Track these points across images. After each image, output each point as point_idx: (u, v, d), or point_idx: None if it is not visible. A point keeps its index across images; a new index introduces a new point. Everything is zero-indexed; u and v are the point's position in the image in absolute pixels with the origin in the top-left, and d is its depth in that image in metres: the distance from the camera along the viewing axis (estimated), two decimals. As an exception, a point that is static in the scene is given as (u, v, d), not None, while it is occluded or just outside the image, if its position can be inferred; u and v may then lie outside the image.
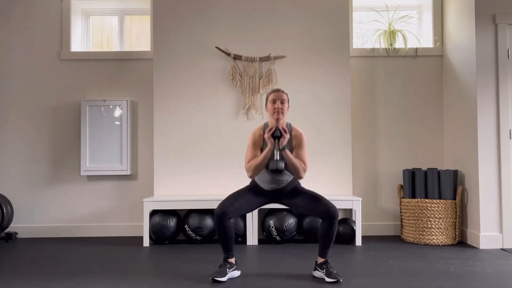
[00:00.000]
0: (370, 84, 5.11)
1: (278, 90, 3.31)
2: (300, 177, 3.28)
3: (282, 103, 3.25)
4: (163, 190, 4.82)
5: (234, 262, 3.26)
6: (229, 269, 3.19)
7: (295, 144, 3.32)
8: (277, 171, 3.22)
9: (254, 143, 3.31)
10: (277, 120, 3.23)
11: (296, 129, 3.37)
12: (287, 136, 3.18)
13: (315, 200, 3.24)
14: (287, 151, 3.19)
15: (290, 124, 3.40)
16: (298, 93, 4.85)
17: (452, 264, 3.63)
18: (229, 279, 3.18)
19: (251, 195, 3.32)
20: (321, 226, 3.23)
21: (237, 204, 3.23)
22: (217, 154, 4.84)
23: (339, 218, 4.67)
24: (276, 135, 3.15)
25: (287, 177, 3.30)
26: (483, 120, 4.31)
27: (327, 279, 3.12)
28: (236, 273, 3.27)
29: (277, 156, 3.17)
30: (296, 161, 3.22)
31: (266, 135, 3.17)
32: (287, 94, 3.32)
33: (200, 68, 4.89)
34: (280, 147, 3.17)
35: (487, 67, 4.32)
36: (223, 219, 3.16)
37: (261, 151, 3.27)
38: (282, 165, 3.19)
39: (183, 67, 4.88)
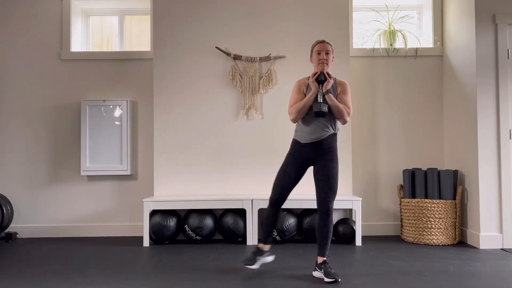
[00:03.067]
0: (370, 84, 5.11)
1: (323, 41, 3.36)
2: (345, 121, 3.28)
3: (327, 53, 3.32)
4: (163, 190, 4.82)
5: (267, 249, 3.40)
6: (260, 256, 3.34)
7: (340, 91, 3.35)
8: (321, 114, 3.21)
9: (298, 88, 3.36)
10: (322, 70, 3.28)
11: (340, 80, 3.42)
12: (331, 80, 3.25)
13: (330, 184, 3.25)
14: (331, 95, 3.23)
15: (335, 78, 3.41)
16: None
17: (452, 264, 3.63)
18: (262, 264, 3.37)
19: (294, 161, 3.34)
20: (317, 224, 3.30)
21: (284, 185, 3.33)
22: (217, 154, 4.84)
23: (339, 218, 4.70)
24: (321, 79, 3.22)
25: (329, 130, 3.30)
26: (483, 120, 4.31)
27: (326, 279, 3.12)
28: (270, 259, 3.45)
29: (320, 98, 3.20)
30: (340, 105, 3.25)
31: (310, 79, 3.26)
32: (331, 45, 3.37)
33: (200, 68, 4.89)
34: (324, 90, 3.22)
35: (487, 67, 4.32)
36: (278, 204, 3.34)
37: (305, 97, 3.31)
38: (325, 107, 3.20)
39: (183, 67, 4.88)
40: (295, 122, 3.36)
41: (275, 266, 3.62)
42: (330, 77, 3.25)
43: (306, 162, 3.35)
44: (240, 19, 4.89)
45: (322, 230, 3.25)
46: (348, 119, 3.29)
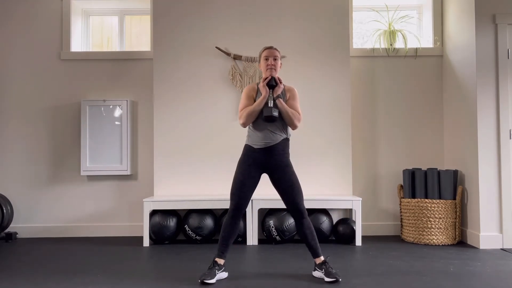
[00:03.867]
0: (370, 84, 5.11)
1: (271, 48, 3.37)
2: (295, 126, 3.29)
3: (275, 59, 3.32)
4: (163, 190, 4.82)
5: (222, 264, 3.23)
6: (218, 271, 3.17)
7: (289, 97, 3.36)
8: (271, 119, 3.19)
9: (247, 94, 3.35)
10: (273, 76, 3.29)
11: (289, 85, 3.43)
12: (282, 86, 3.27)
13: (296, 189, 3.25)
14: (281, 100, 3.25)
15: (283, 83, 3.40)
16: (298, 93, 4.84)
17: (452, 264, 3.63)
18: (217, 280, 3.16)
19: (247, 168, 3.26)
20: (297, 229, 3.29)
21: (241, 192, 3.23)
22: (217, 154, 4.84)
23: (339, 218, 4.70)
24: (271, 84, 3.24)
25: (281, 134, 3.28)
26: (483, 120, 4.31)
27: (326, 279, 3.12)
28: (224, 275, 3.26)
29: (271, 103, 3.21)
30: (291, 110, 3.27)
31: (261, 84, 3.26)
32: (279, 51, 3.38)
33: (200, 68, 4.89)
34: (274, 95, 3.24)
35: (487, 67, 4.32)
36: (238, 213, 3.23)
37: (255, 102, 3.31)
38: (276, 112, 3.20)
39: (183, 67, 4.88)
40: (245, 127, 3.34)
41: (275, 266, 3.62)
42: (280, 82, 3.26)
43: (261, 168, 3.29)
44: (240, 19, 4.90)
45: (305, 233, 3.24)
46: (298, 124, 3.29)
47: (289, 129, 3.35)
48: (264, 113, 3.20)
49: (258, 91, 3.33)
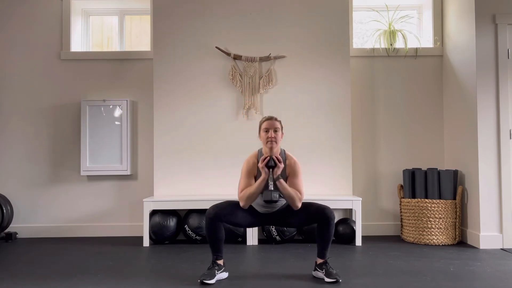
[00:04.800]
0: (370, 84, 5.11)
1: (271, 118, 3.26)
2: (296, 207, 3.21)
3: (275, 131, 3.20)
4: (163, 190, 4.82)
5: (222, 264, 3.22)
6: (217, 271, 3.16)
7: (289, 173, 3.26)
8: (271, 202, 3.15)
9: (247, 171, 3.25)
10: (271, 149, 3.18)
11: (290, 157, 3.31)
12: (282, 165, 3.13)
13: (306, 209, 3.22)
14: (282, 181, 3.15)
15: (284, 151, 3.34)
16: (298, 93, 4.86)
17: (452, 264, 3.63)
18: (217, 280, 3.15)
19: (245, 212, 3.26)
20: (318, 227, 3.23)
21: (231, 211, 3.19)
22: (217, 154, 4.84)
23: (339, 218, 4.70)
24: (271, 165, 3.10)
25: (281, 203, 3.29)
26: (483, 120, 4.31)
27: (327, 279, 3.12)
28: (224, 275, 3.24)
29: (271, 186, 3.11)
30: (292, 191, 3.17)
31: (260, 165, 3.13)
32: (280, 122, 3.28)
33: (200, 68, 4.89)
34: (275, 176, 3.12)
35: (487, 67, 4.32)
36: (215, 220, 3.13)
37: (255, 179, 3.22)
38: (276, 195, 3.11)
39: (183, 67, 4.88)
40: (245, 208, 3.24)
41: (275, 266, 3.62)
42: (280, 161, 3.12)
43: (258, 223, 3.36)
44: (240, 19, 4.89)
45: (325, 235, 3.20)
46: (299, 204, 3.19)
47: None
48: (264, 197, 3.12)
49: (258, 169, 3.21)
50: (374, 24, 5.17)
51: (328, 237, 3.21)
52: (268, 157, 3.12)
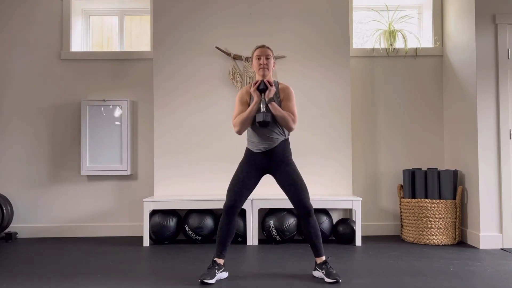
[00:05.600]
0: (370, 84, 5.11)
1: (263, 46, 3.30)
2: (290, 128, 3.22)
3: (267, 58, 3.24)
4: (163, 190, 4.82)
5: (222, 264, 3.22)
6: (217, 271, 3.16)
7: (283, 97, 3.28)
8: (264, 124, 3.15)
9: (240, 99, 3.31)
10: (263, 76, 3.23)
11: (283, 84, 3.36)
12: (273, 88, 3.19)
13: (298, 186, 3.22)
14: (274, 104, 3.19)
15: (277, 81, 3.37)
16: (298, 93, 4.83)
17: (452, 264, 3.63)
18: (217, 280, 3.15)
19: (248, 168, 3.25)
20: (302, 227, 3.25)
21: (241, 187, 3.20)
22: (217, 154, 4.84)
23: (339, 218, 4.70)
24: (262, 88, 3.18)
25: (278, 137, 3.25)
26: (483, 120, 4.31)
27: (327, 279, 3.12)
28: (224, 275, 3.24)
29: (263, 108, 3.16)
30: (284, 112, 3.20)
31: (251, 89, 3.20)
32: (272, 50, 3.31)
33: (200, 68, 4.89)
34: (266, 99, 3.18)
35: (487, 67, 4.32)
36: (232, 211, 3.17)
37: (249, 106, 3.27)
38: (269, 117, 3.14)
39: (183, 67, 4.88)
40: (240, 134, 3.29)
41: (275, 266, 3.62)
42: (271, 84, 3.17)
43: (261, 170, 3.28)
44: (240, 19, 4.89)
45: (310, 231, 3.20)
46: (294, 126, 3.22)
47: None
48: (256, 119, 3.16)
49: (251, 95, 3.27)
50: (374, 24, 5.17)
51: (311, 233, 3.21)
52: (259, 81, 3.19)
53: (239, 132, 3.26)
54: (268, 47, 3.30)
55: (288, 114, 3.21)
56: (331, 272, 3.13)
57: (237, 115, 3.27)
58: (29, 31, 5.16)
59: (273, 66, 3.29)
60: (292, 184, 3.22)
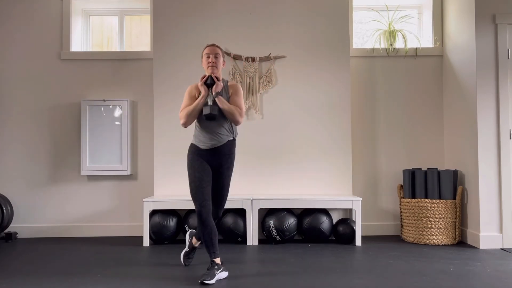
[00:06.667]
0: (370, 84, 5.11)
1: (212, 45, 3.40)
2: (237, 121, 3.30)
3: (216, 57, 3.33)
4: (163, 190, 4.82)
5: (221, 263, 3.24)
6: (217, 271, 3.16)
7: (232, 93, 3.38)
8: (211, 117, 3.21)
9: (189, 93, 3.39)
10: (212, 74, 3.30)
11: (232, 81, 3.45)
12: (220, 83, 3.28)
13: (224, 194, 3.37)
14: (221, 97, 3.27)
15: (227, 80, 3.48)
16: (298, 93, 4.86)
17: (452, 264, 3.63)
18: (217, 280, 3.15)
19: (199, 164, 3.28)
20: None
21: (203, 187, 3.22)
22: (217, 154, 4.83)
23: (339, 218, 4.71)
24: (209, 82, 3.26)
25: (227, 134, 3.32)
26: (483, 120, 4.31)
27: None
28: (224, 274, 3.24)
29: (210, 101, 3.23)
30: (231, 106, 3.29)
31: (199, 83, 3.28)
32: (221, 49, 3.40)
33: (200, 68, 4.87)
34: (214, 93, 3.25)
35: (487, 67, 4.32)
36: (206, 213, 3.17)
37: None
38: (215, 110, 3.21)
39: (183, 67, 4.88)
40: (186, 127, 3.37)
41: (275, 266, 3.62)
42: (218, 80, 3.27)
43: (208, 165, 3.32)
44: (240, 19, 4.89)
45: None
46: (241, 120, 3.31)
47: (236, 129, 3.40)
48: (203, 111, 3.24)
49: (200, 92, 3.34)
50: (374, 24, 5.17)
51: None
52: (207, 76, 3.28)
53: (185, 125, 3.34)
54: (217, 46, 3.40)
55: (235, 107, 3.30)
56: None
57: (184, 107, 3.34)
58: (29, 31, 5.16)
59: (223, 64, 3.39)
60: (222, 190, 3.36)
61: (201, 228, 3.22)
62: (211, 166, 3.33)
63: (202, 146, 3.31)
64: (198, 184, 3.23)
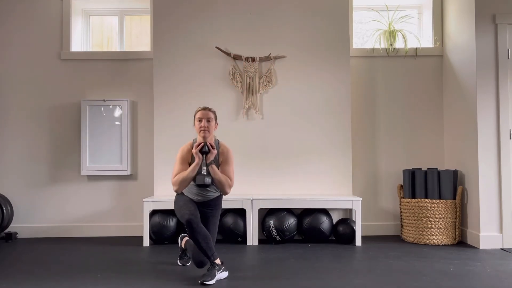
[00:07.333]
0: (370, 84, 5.11)
1: (204, 109, 3.42)
2: (225, 193, 3.40)
3: (208, 121, 3.36)
4: (163, 190, 4.82)
5: (221, 263, 3.24)
6: (217, 271, 3.16)
7: (222, 161, 3.44)
8: (204, 187, 3.31)
9: (182, 158, 3.40)
10: (204, 138, 3.34)
11: (223, 146, 3.47)
12: (215, 151, 3.31)
13: (209, 231, 3.37)
14: (214, 167, 3.30)
15: (218, 140, 3.51)
16: (298, 93, 4.86)
17: (452, 264, 3.63)
18: (217, 280, 3.15)
19: (189, 199, 3.40)
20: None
21: (189, 204, 3.31)
22: (217, 154, 4.83)
23: (339, 218, 4.71)
24: (204, 151, 3.27)
25: (214, 193, 3.43)
26: (483, 120, 4.31)
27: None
28: (224, 274, 3.24)
29: (204, 171, 3.28)
30: (223, 177, 3.35)
31: (194, 150, 3.29)
32: (214, 112, 3.44)
33: (200, 68, 4.89)
34: (208, 162, 3.28)
35: (487, 67, 4.32)
36: (194, 220, 3.16)
37: (189, 166, 3.36)
38: (209, 180, 3.27)
39: (183, 67, 4.88)
40: (178, 193, 3.44)
41: (275, 266, 3.62)
42: (213, 148, 3.30)
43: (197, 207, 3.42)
44: (240, 19, 4.89)
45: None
46: (229, 191, 3.38)
47: None
48: (196, 181, 3.29)
49: (192, 156, 3.36)
50: (374, 24, 5.17)
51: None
52: (203, 143, 3.30)
53: (178, 191, 3.40)
54: (210, 109, 3.42)
55: (226, 178, 3.36)
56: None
57: (177, 173, 3.37)
58: (29, 31, 5.16)
59: (215, 127, 3.42)
60: (209, 230, 3.39)
61: (193, 236, 3.18)
62: (199, 209, 3.43)
63: (190, 196, 3.43)
64: (183, 204, 3.32)
